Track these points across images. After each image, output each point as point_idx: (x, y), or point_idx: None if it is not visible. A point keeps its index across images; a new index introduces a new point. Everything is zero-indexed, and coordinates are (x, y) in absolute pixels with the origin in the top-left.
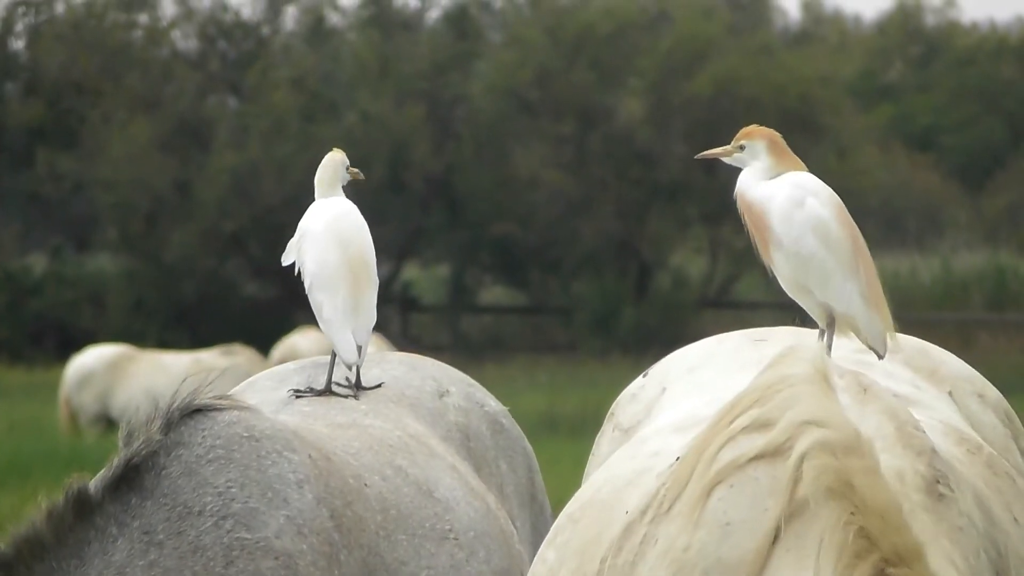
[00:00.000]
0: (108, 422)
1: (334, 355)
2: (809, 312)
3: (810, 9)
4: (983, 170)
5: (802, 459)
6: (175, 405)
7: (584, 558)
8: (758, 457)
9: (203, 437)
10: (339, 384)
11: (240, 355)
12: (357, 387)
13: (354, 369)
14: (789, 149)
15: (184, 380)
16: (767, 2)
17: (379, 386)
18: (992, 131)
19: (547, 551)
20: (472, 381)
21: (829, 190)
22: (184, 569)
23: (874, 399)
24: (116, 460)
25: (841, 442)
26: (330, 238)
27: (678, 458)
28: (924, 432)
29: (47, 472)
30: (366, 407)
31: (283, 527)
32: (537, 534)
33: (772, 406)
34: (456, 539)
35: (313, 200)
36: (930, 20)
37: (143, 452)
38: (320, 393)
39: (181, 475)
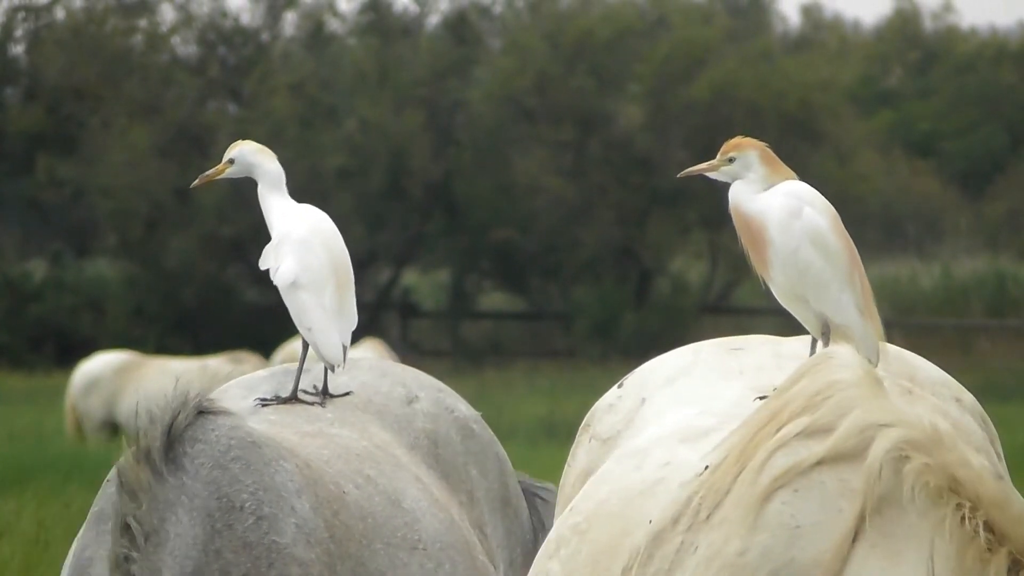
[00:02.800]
0: (113, 428)
1: (303, 360)
2: (803, 322)
3: (809, 15)
4: (983, 176)
5: (883, 460)
6: (192, 399)
7: (598, 569)
8: (822, 462)
9: (216, 437)
10: (305, 391)
11: (247, 362)
12: (324, 394)
13: (322, 376)
14: (778, 159)
15: (179, 380)
16: (766, 8)
17: (347, 394)
18: (992, 137)
19: (550, 564)
20: (442, 386)
21: (823, 199)
22: (240, 564)
23: (920, 399)
24: (152, 433)
25: (927, 439)
26: (315, 241)
27: (707, 467)
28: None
29: (47, 479)
30: (332, 416)
31: (296, 536)
32: (512, 539)
33: (825, 412)
34: (425, 549)
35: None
36: (928, 25)
37: (180, 425)
38: (286, 400)
39: (214, 467)
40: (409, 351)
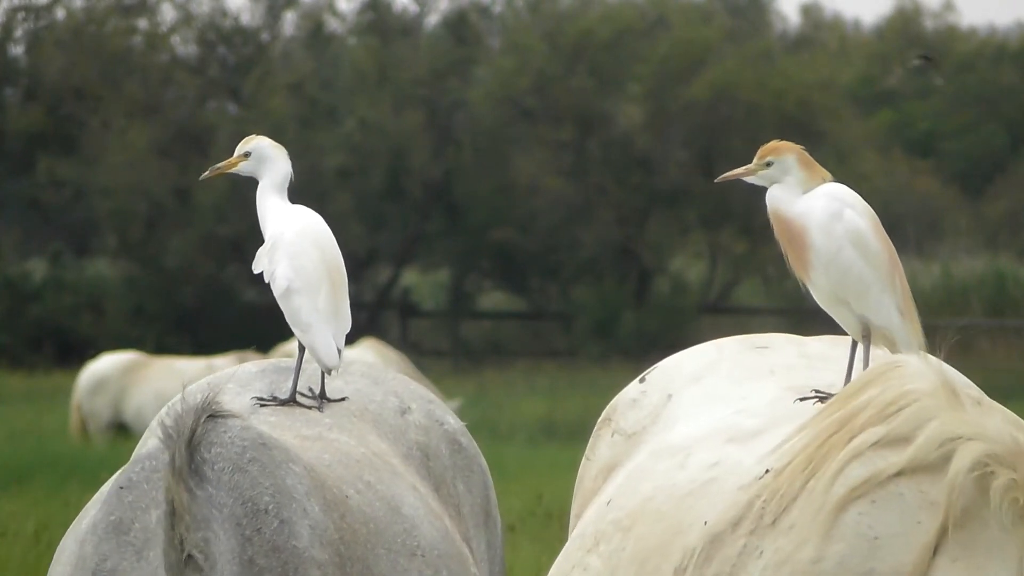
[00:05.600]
0: (119, 428)
1: (300, 362)
2: (843, 325)
3: (809, 14)
4: (983, 176)
5: (961, 473)
6: (204, 403)
7: (647, 568)
8: (900, 474)
9: (230, 439)
10: (303, 394)
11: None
12: (321, 399)
13: (319, 379)
14: (815, 161)
15: (184, 388)
16: (766, 7)
17: (343, 399)
18: (992, 136)
19: (589, 558)
20: (432, 397)
21: (863, 201)
22: (272, 569)
23: (992, 410)
24: (175, 446)
25: (1009, 453)
26: (307, 243)
27: (767, 471)
28: None
29: (47, 478)
30: (330, 421)
31: (312, 538)
32: (492, 551)
33: (901, 422)
34: (423, 556)
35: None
36: (929, 25)
37: (198, 437)
38: (284, 403)
39: (234, 471)
40: (409, 351)
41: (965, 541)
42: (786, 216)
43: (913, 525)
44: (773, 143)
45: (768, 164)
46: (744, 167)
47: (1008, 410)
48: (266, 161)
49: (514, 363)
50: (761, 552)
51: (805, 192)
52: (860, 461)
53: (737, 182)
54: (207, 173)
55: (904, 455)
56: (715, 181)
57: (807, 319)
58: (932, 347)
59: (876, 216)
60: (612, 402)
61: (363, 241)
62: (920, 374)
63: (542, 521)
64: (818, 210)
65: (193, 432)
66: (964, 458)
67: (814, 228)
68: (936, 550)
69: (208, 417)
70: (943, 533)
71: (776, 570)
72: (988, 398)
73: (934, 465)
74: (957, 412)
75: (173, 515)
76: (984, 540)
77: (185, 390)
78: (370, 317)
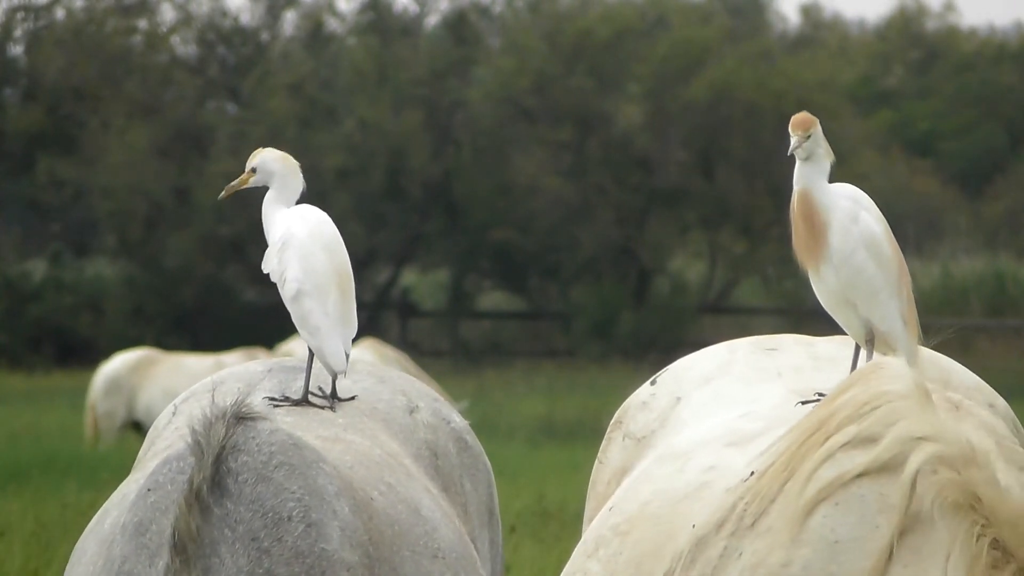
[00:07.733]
0: (133, 426)
1: (311, 363)
2: (845, 327)
3: (809, 14)
4: (982, 175)
5: (916, 474)
6: (235, 409)
7: (641, 571)
8: (863, 474)
9: (257, 445)
10: (314, 394)
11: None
12: (333, 398)
13: (328, 378)
14: None
15: (214, 395)
16: (766, 7)
17: (352, 398)
18: (991, 136)
19: (589, 563)
20: (437, 395)
21: (876, 206)
22: (295, 575)
23: (968, 415)
24: (199, 462)
25: (959, 455)
26: (317, 245)
27: (752, 473)
28: (1022, 448)
29: (46, 478)
30: (344, 421)
31: (341, 539)
32: (495, 550)
33: (872, 422)
34: (444, 558)
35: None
36: (930, 25)
37: (226, 453)
38: (297, 403)
39: (258, 481)
40: (409, 351)
41: (914, 545)
42: (816, 203)
43: (871, 529)
44: (803, 114)
45: (808, 136)
46: (796, 139)
47: (987, 416)
48: (274, 173)
49: (514, 363)
50: (740, 554)
51: (826, 175)
52: (831, 462)
53: (735, 180)
54: (223, 194)
55: (869, 455)
56: (788, 155)
57: (807, 319)
58: (930, 346)
59: (886, 222)
60: (624, 404)
61: (363, 241)
62: (898, 376)
63: (542, 521)
64: (840, 212)
65: (223, 448)
66: (916, 459)
67: (836, 229)
68: (892, 555)
69: (237, 420)
70: (898, 536)
71: (752, 572)
72: (972, 401)
73: (893, 466)
74: (925, 414)
75: (174, 548)
76: (930, 543)
77: (214, 391)
78: (370, 317)
